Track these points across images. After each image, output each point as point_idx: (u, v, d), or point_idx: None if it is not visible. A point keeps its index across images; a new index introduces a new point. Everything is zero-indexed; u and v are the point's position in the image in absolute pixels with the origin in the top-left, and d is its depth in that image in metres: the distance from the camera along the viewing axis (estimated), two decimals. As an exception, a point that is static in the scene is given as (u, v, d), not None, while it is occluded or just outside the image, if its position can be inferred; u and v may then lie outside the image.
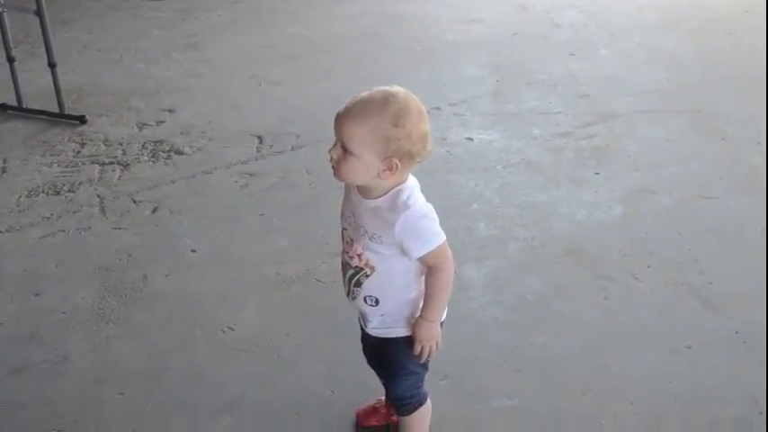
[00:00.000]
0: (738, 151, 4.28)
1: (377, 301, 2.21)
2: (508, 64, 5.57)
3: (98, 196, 4.13)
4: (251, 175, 4.25)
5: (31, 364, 3.03)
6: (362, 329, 2.37)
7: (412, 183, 2.11)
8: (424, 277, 2.18)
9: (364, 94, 2.02)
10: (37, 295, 3.42)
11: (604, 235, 3.65)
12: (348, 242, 2.20)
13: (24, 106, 5.16)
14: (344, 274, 2.24)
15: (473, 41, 6.02)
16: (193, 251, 3.65)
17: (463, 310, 3.19)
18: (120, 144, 4.66)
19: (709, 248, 3.52)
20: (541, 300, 3.25)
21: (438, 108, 4.91)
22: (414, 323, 2.21)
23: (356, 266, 2.18)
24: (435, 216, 2.12)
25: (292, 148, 4.49)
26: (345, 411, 2.73)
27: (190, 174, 4.30)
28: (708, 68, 5.38)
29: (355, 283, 2.20)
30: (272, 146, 4.54)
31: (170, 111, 5.07)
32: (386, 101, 1.99)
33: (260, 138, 4.63)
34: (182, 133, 4.74)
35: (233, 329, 3.16)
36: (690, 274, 3.35)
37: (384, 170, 2.00)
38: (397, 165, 2.00)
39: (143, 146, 4.62)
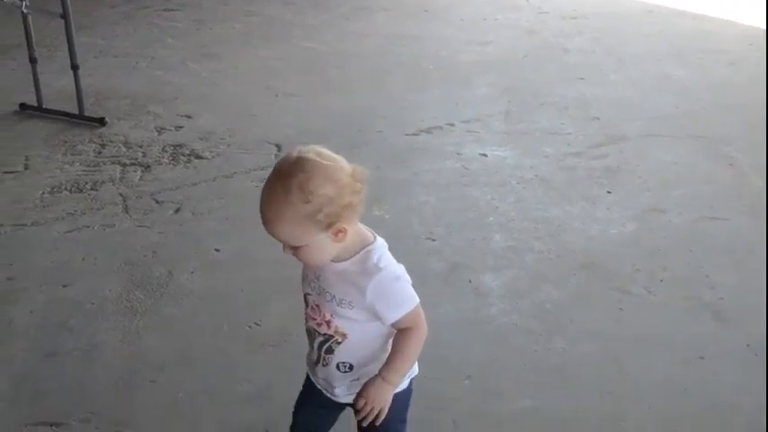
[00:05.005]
0: (746, 176, 4.39)
1: (350, 367, 2.07)
2: (519, 85, 5.69)
3: (121, 195, 4.21)
4: (271, 180, 4.33)
5: (62, 350, 3.11)
6: (324, 397, 2.19)
7: (380, 243, 1.98)
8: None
9: (265, 187, 1.86)
10: (65, 286, 3.50)
11: (618, 250, 3.76)
12: (313, 308, 2.04)
13: (44, 107, 5.24)
14: (312, 341, 2.09)
15: (484, 63, 6.13)
16: (217, 250, 3.74)
17: (483, 316, 3.30)
18: (140, 146, 4.75)
19: (720, 266, 3.62)
20: (559, 308, 3.35)
21: (451, 124, 5.03)
22: (368, 380, 2.02)
23: (325, 334, 2.03)
24: (408, 277, 1.99)
25: (311, 157, 4.57)
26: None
27: (210, 177, 4.39)
28: (713, 96, 5.50)
29: (326, 350, 2.05)
30: (290, 154, 4.61)
31: (188, 117, 5.16)
32: (285, 185, 1.81)
33: (278, 146, 4.72)
34: (201, 138, 4.83)
35: (259, 325, 3.25)
36: (701, 290, 3.46)
37: (337, 235, 1.87)
38: (343, 228, 1.86)
39: (163, 149, 4.71)
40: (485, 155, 4.65)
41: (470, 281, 3.51)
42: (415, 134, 4.92)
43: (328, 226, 1.84)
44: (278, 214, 1.83)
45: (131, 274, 3.57)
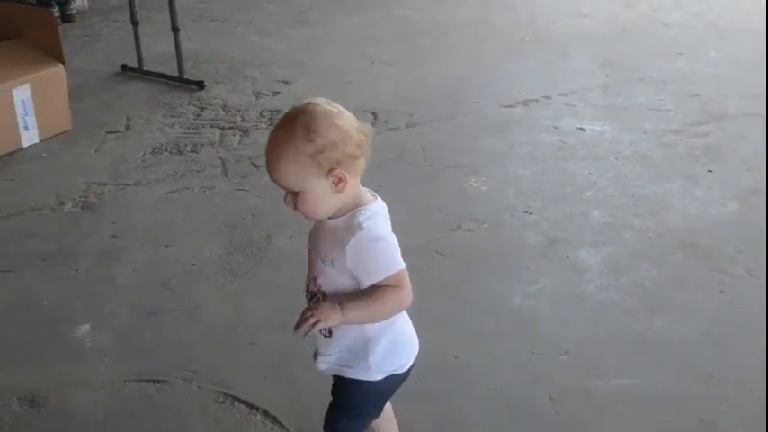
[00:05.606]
0: None
1: (330, 332, 2.02)
2: (617, 59, 5.61)
3: (220, 158, 4.28)
4: (367, 148, 4.35)
5: (164, 309, 3.18)
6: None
7: (377, 207, 1.95)
8: None
9: (272, 132, 1.92)
10: (167, 246, 3.57)
11: (719, 230, 3.69)
12: (309, 266, 2.06)
13: (144, 68, 5.33)
14: (307, 300, 2.08)
15: (581, 35, 6.06)
16: (314, 216, 3.77)
17: (581, 292, 3.27)
18: (239, 111, 4.81)
19: (826, 252, 3.54)
20: (658, 287, 3.30)
21: (548, 97, 4.99)
22: (329, 300, 1.95)
23: (312, 291, 2.03)
24: (395, 242, 1.93)
25: (407, 126, 4.58)
26: (468, 371, 2.84)
27: (307, 143, 4.41)
28: (817, 76, 5.35)
29: None
30: (386, 122, 4.63)
31: (285, 82, 5.21)
32: (290, 126, 1.84)
33: (374, 114, 4.72)
34: (297, 105, 4.86)
35: (356, 293, 3.26)
36: (806, 275, 3.38)
37: (337, 185, 1.85)
38: (344, 176, 1.84)
39: (260, 114, 4.77)
40: (582, 129, 4.60)
41: (568, 256, 3.49)
42: (511, 106, 4.89)
43: (329, 171, 1.83)
44: (281, 153, 1.85)
45: (231, 236, 3.63)
